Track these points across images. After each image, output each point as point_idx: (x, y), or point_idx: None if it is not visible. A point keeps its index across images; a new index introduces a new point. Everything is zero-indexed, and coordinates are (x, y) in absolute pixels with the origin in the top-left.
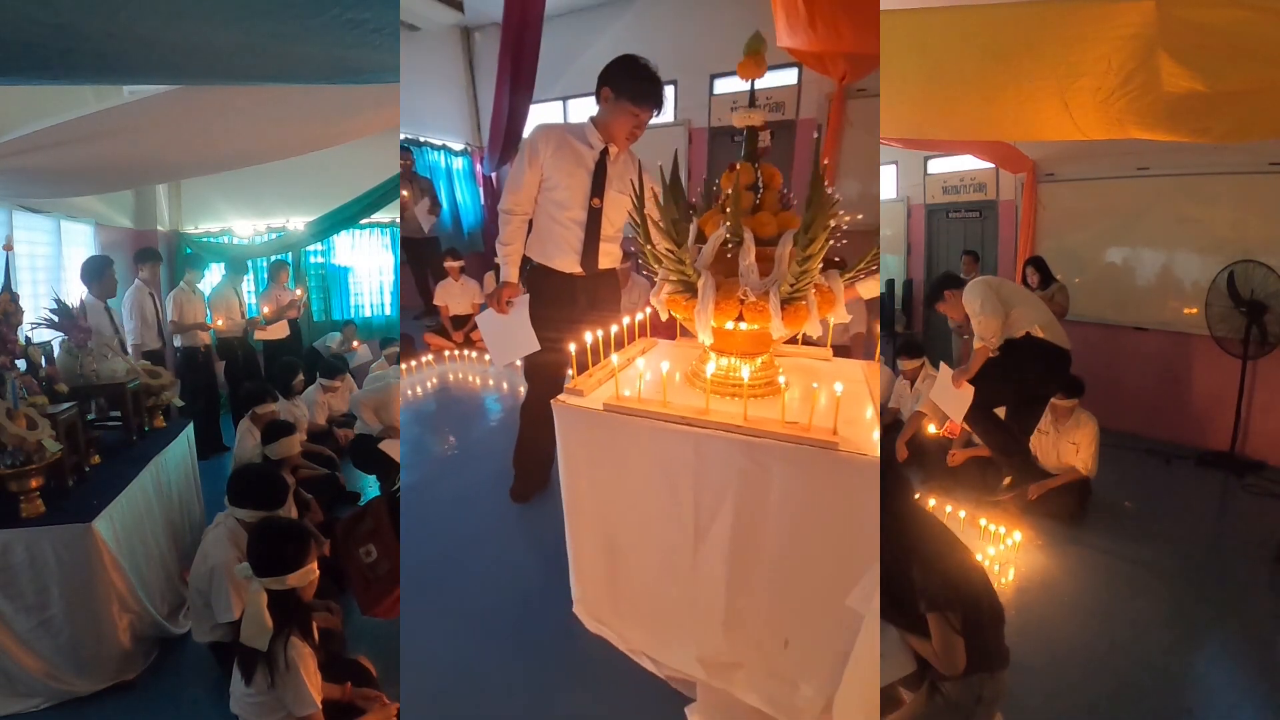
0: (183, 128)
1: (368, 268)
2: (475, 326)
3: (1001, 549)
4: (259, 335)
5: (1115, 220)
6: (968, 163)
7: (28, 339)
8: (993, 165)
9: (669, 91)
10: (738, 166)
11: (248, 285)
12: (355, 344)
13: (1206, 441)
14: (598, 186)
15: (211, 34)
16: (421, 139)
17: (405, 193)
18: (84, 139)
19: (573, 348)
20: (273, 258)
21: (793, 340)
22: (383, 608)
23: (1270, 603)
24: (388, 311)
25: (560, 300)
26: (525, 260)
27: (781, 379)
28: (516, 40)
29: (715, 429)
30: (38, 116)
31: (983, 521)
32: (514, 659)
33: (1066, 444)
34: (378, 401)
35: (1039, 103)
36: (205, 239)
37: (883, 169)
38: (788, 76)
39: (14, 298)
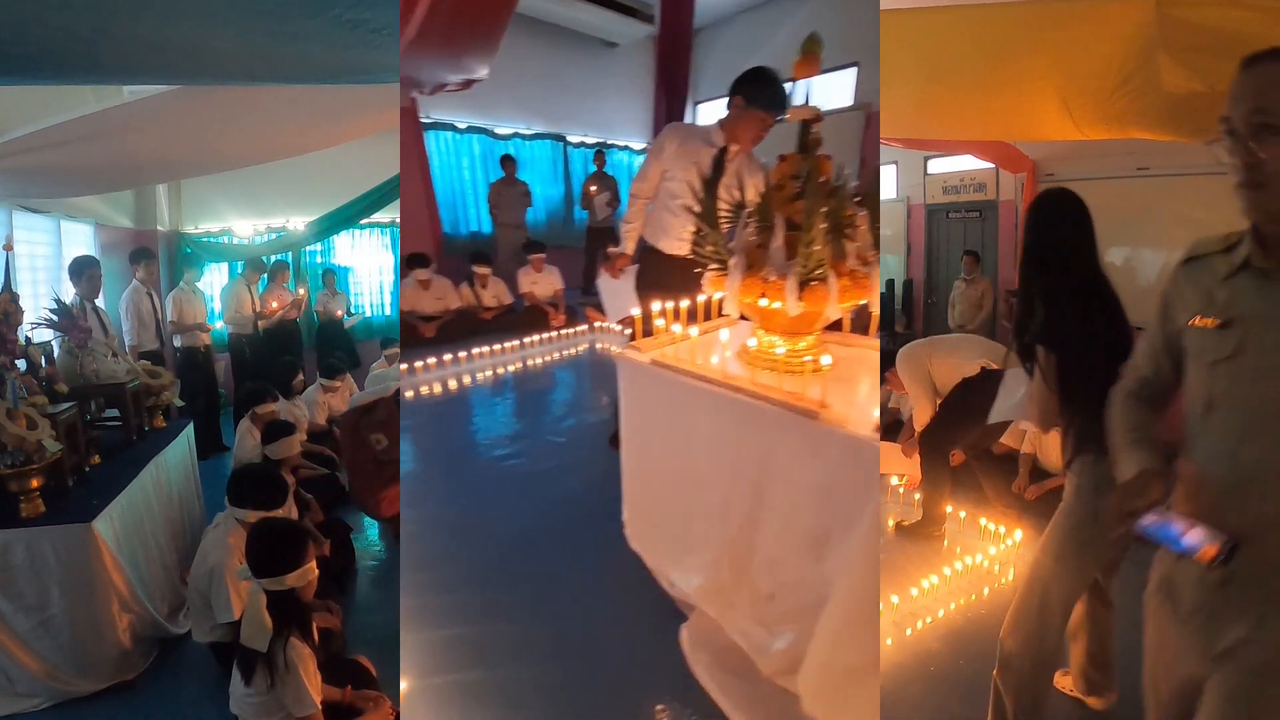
0: (183, 128)
1: (368, 268)
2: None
3: (1001, 549)
4: (261, 324)
5: (1115, 220)
6: (968, 163)
7: (28, 339)
8: (993, 165)
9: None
10: (786, 157)
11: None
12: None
13: None
14: (710, 181)
15: (211, 34)
16: (609, 141)
17: (593, 187)
18: (84, 139)
19: (635, 311)
20: (273, 257)
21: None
22: (385, 498)
23: None
24: (388, 311)
25: (663, 278)
26: (641, 240)
27: (827, 360)
28: (668, 51)
29: (729, 390)
30: (38, 116)
31: (983, 521)
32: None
33: None
34: None
35: (1039, 103)
36: (205, 239)
37: (883, 169)
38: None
39: (14, 298)
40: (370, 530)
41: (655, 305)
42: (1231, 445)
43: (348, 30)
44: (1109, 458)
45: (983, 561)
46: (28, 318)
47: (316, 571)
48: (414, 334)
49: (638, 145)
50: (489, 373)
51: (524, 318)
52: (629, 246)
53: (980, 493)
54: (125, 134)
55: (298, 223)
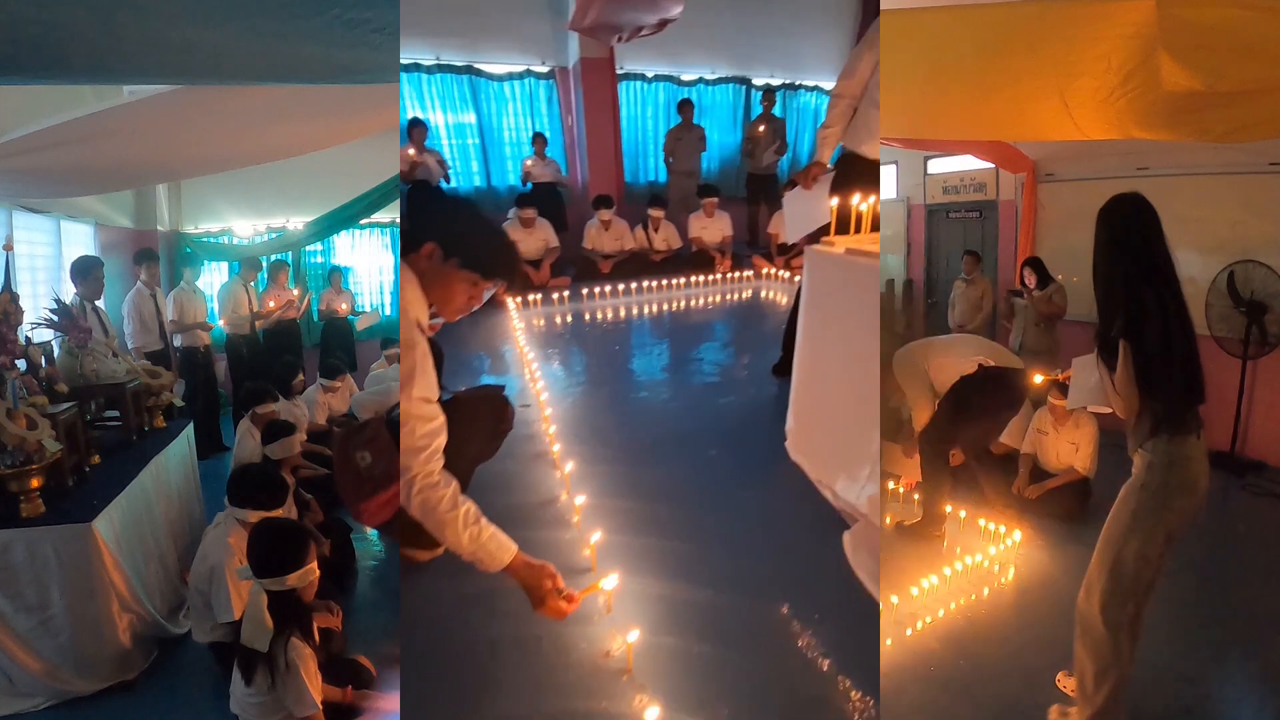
0: (183, 128)
1: (368, 267)
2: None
3: (1001, 549)
4: (259, 325)
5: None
6: (968, 163)
7: (28, 339)
8: (993, 165)
9: None
10: None
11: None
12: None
13: (1206, 441)
14: None
15: (211, 34)
16: (797, 82)
17: (761, 127)
18: (84, 139)
19: (834, 201)
20: (273, 257)
21: None
22: (369, 507)
23: (1270, 602)
24: (388, 311)
25: (862, 183)
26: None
27: None
28: None
29: None
30: (38, 116)
31: (982, 521)
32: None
33: (1066, 444)
34: (378, 403)
35: (1039, 102)
36: (205, 239)
37: (883, 169)
38: None
39: (14, 298)
40: (370, 530)
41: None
42: None
43: (348, 30)
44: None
45: (983, 561)
46: (28, 318)
47: (318, 572)
48: (591, 268)
49: (828, 85)
50: (656, 306)
51: (691, 261)
52: (824, 154)
53: (980, 493)
54: (125, 134)
55: (297, 223)
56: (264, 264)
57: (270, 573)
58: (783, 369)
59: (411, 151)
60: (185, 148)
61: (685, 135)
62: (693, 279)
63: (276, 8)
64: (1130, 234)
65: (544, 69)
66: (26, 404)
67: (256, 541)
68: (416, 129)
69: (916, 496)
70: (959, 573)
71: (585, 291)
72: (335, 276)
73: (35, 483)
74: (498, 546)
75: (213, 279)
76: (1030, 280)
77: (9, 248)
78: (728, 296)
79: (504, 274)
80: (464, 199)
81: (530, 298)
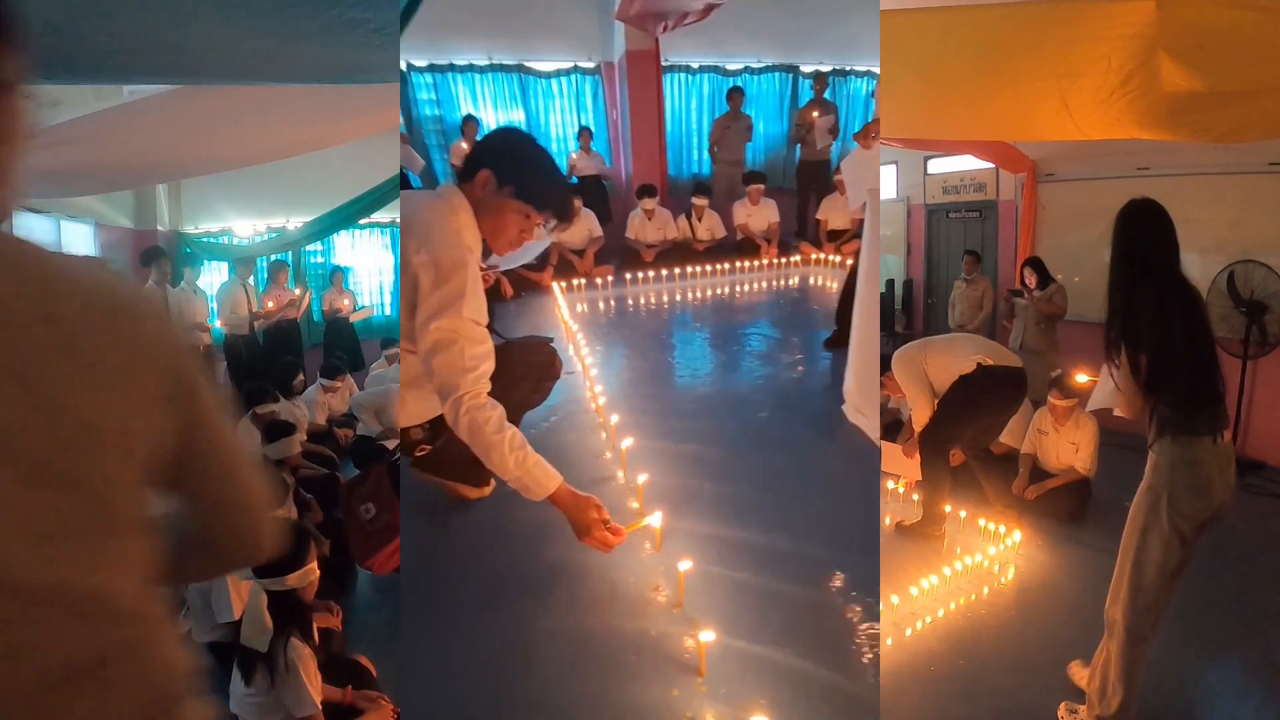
0: (183, 128)
1: (368, 267)
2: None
3: (1001, 549)
4: (259, 325)
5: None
6: (968, 163)
7: None
8: (993, 165)
9: None
10: None
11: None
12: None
13: None
14: None
15: (213, 34)
16: (848, 68)
17: (815, 113)
18: (84, 139)
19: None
20: (273, 257)
21: None
22: (376, 560)
23: (1271, 602)
24: (388, 311)
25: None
26: None
27: None
28: None
29: None
30: (37, 117)
31: (982, 521)
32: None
33: (1066, 444)
34: (378, 404)
35: (1038, 103)
36: (205, 239)
37: (883, 169)
38: None
39: None
40: None
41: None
42: None
43: (348, 30)
44: (1185, 440)
45: (982, 561)
46: None
47: (318, 573)
48: (634, 258)
49: (879, 69)
50: (701, 292)
51: (737, 250)
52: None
53: (980, 493)
54: (125, 134)
55: (297, 223)
56: (260, 263)
57: (270, 573)
58: (835, 342)
59: (465, 146)
60: (185, 148)
61: (732, 124)
62: (738, 264)
63: (276, 8)
64: (1134, 237)
65: (590, 64)
66: None
67: None
68: (469, 124)
69: (916, 496)
70: (959, 573)
71: (629, 277)
72: (337, 276)
73: None
74: (543, 473)
75: (213, 279)
76: (1031, 280)
77: None
78: (775, 282)
79: (555, 207)
80: (526, 133)
81: (575, 282)
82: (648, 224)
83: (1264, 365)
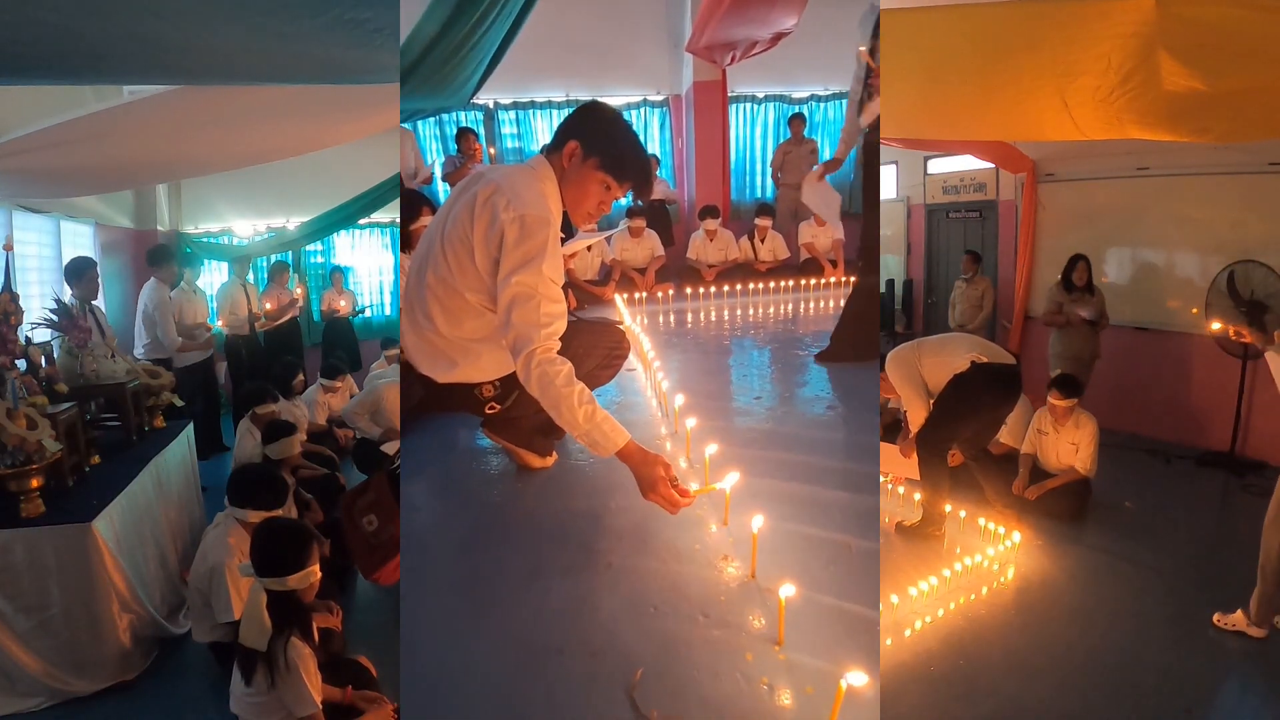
0: (183, 128)
1: (368, 267)
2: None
3: (1001, 549)
4: (260, 326)
5: (1115, 220)
6: (968, 163)
7: (28, 339)
8: (993, 165)
9: None
10: None
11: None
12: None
13: (1207, 441)
14: None
15: (212, 34)
16: None
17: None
18: (84, 139)
19: None
20: (273, 258)
21: None
22: (382, 573)
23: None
24: (388, 311)
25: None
26: None
27: None
28: None
29: None
30: (38, 116)
31: (982, 521)
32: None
33: (1066, 444)
34: (369, 405)
35: (1039, 102)
36: (205, 239)
37: (883, 169)
38: None
39: (14, 298)
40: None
41: None
42: None
43: (348, 30)
44: None
45: (982, 561)
46: (28, 318)
47: (319, 574)
48: (695, 278)
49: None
50: (763, 309)
51: (801, 270)
52: (841, 153)
53: (980, 493)
54: (125, 134)
55: (297, 223)
56: (260, 263)
57: (272, 573)
58: (826, 358)
59: (457, 159)
60: (185, 148)
61: (795, 149)
62: (802, 283)
63: (276, 8)
64: None
65: (659, 97)
66: (26, 404)
67: (259, 541)
68: (464, 136)
69: (916, 496)
70: (959, 573)
71: (689, 291)
72: (337, 276)
73: (35, 483)
74: (612, 429)
75: (213, 279)
76: (1080, 279)
77: (9, 248)
78: (840, 302)
79: (636, 179)
80: (613, 109)
81: (636, 296)
82: (709, 245)
83: (1264, 365)
